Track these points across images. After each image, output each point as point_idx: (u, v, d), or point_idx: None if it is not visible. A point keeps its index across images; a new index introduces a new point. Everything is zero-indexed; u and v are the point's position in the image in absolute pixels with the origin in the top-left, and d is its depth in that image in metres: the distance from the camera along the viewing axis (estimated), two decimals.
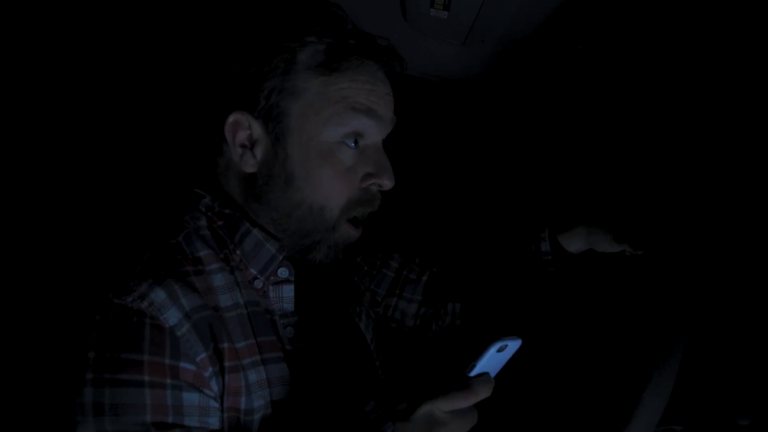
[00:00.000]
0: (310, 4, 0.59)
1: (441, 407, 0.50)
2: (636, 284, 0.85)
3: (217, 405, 0.53)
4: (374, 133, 0.59)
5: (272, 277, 0.60)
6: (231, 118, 0.56)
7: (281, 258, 0.60)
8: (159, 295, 0.51)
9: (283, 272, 0.60)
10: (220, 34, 0.60)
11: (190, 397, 0.51)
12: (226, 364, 0.53)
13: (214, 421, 0.52)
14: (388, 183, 0.60)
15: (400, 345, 0.88)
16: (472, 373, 0.52)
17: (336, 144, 0.57)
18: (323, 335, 0.65)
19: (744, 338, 0.75)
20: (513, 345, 0.52)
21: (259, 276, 0.59)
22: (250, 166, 0.58)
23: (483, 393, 0.51)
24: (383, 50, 0.59)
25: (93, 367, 0.48)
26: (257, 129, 0.57)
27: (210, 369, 0.52)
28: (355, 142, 0.58)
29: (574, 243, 0.78)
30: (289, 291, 0.61)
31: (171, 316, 0.51)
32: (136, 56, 0.92)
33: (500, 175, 1.39)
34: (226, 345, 0.54)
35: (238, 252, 0.59)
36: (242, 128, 0.57)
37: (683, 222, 0.82)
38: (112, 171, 0.96)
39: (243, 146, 0.57)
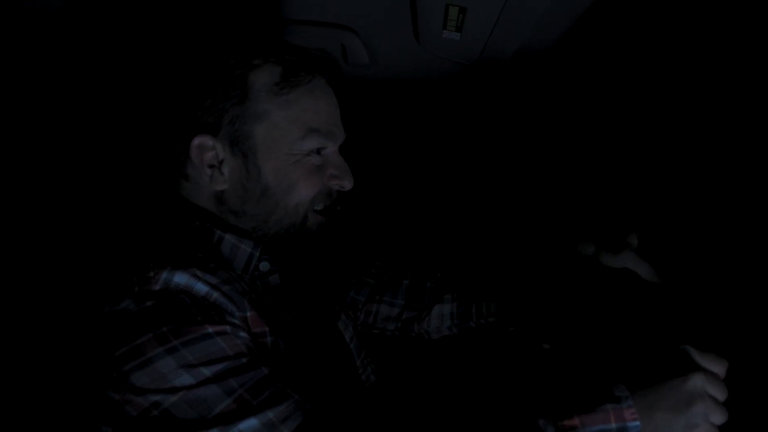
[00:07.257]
0: (247, 31, 0.64)
1: (699, 359, 0.52)
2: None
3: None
4: (332, 146, 0.67)
5: (256, 273, 0.63)
6: (195, 141, 0.60)
7: (258, 254, 0.63)
8: (181, 277, 0.53)
9: (264, 266, 0.64)
10: (172, 72, 0.64)
11: (247, 336, 0.54)
12: (253, 330, 0.56)
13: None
14: (348, 184, 0.68)
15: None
16: None
17: (304, 154, 0.63)
18: (313, 322, 0.68)
19: None
20: None
21: (244, 275, 0.62)
22: (220, 183, 0.62)
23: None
24: (327, 62, 0.66)
25: (157, 343, 0.49)
26: (221, 149, 0.61)
27: (247, 327, 0.56)
28: (318, 152, 0.65)
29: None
30: (275, 281, 0.65)
31: (200, 289, 0.53)
32: (98, 85, 0.94)
33: (495, 177, 1.37)
34: (248, 314, 0.56)
35: (219, 257, 0.61)
36: (208, 149, 0.61)
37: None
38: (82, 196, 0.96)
39: (211, 166, 0.61)
